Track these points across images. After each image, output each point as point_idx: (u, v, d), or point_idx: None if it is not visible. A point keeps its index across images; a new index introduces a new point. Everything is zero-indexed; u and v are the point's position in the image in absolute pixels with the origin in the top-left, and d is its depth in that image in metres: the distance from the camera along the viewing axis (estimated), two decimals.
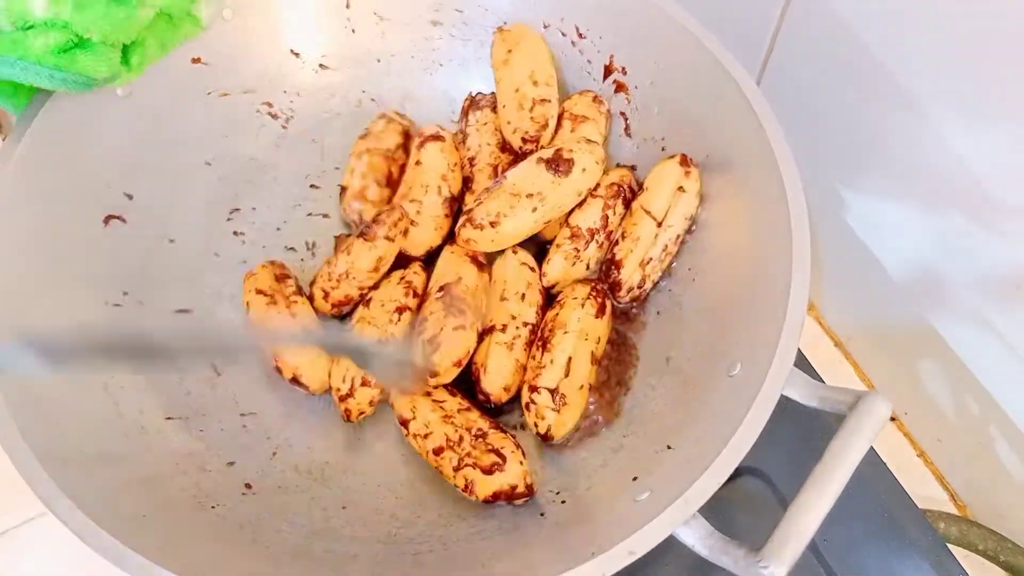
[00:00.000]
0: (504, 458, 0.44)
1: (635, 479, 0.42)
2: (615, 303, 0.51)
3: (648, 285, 0.51)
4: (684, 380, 0.46)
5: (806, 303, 0.41)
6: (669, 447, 0.42)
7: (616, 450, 0.46)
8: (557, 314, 0.49)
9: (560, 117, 0.55)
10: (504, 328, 0.49)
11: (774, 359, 0.39)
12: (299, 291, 0.52)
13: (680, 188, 0.50)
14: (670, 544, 0.36)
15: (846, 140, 0.55)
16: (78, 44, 0.44)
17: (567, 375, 0.47)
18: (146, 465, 0.43)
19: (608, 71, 0.56)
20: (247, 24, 0.56)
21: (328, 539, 0.43)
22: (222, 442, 0.47)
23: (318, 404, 0.51)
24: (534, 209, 0.49)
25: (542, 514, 0.44)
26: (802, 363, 0.58)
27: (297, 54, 0.59)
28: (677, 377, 0.47)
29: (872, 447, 0.53)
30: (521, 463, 0.44)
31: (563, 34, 0.57)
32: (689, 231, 0.51)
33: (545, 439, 0.47)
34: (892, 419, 0.63)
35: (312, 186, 0.59)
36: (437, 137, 0.55)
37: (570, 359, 0.47)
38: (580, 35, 0.56)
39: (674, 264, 0.52)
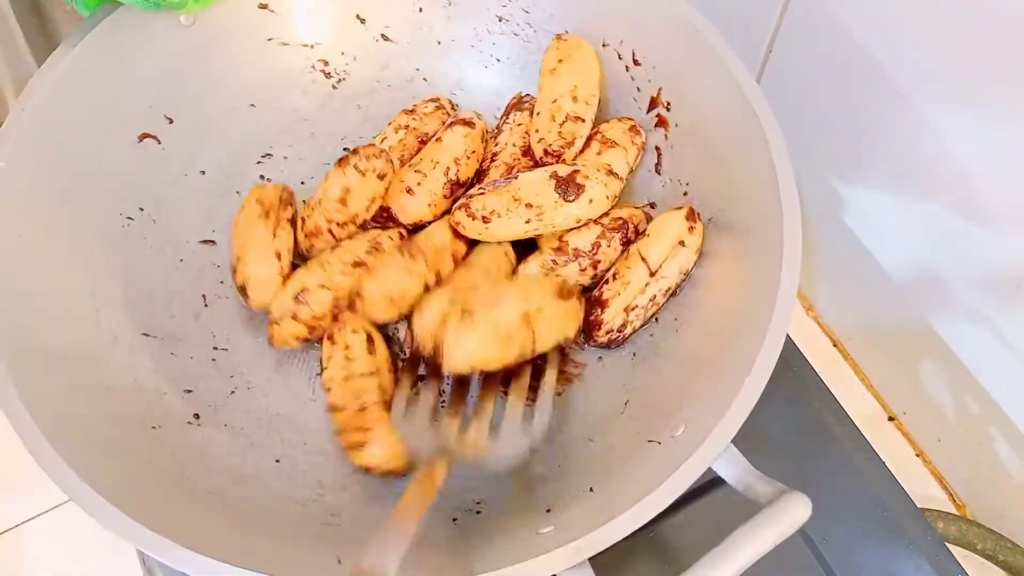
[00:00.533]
0: (369, 440, 0.45)
1: (548, 511, 0.42)
2: (591, 341, 0.51)
3: (628, 331, 0.50)
4: (631, 429, 0.46)
5: (761, 389, 0.39)
6: (591, 489, 0.42)
7: (545, 479, 0.46)
8: None
9: (591, 138, 0.54)
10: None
11: (712, 431, 0.38)
12: (292, 221, 0.53)
13: (681, 242, 0.49)
14: None
15: (845, 139, 0.55)
16: None
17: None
18: (105, 373, 0.45)
19: (654, 103, 0.55)
20: None
21: (250, 487, 0.45)
22: (188, 369, 0.50)
23: (288, 356, 0.53)
24: (528, 220, 0.49)
25: (455, 519, 0.44)
26: (801, 363, 0.57)
27: (363, 20, 0.60)
28: (628, 424, 0.46)
29: (872, 447, 0.54)
30: (389, 447, 0.45)
31: (619, 56, 0.56)
32: (680, 285, 0.50)
33: None
34: (891, 419, 0.63)
35: (346, 149, 0.60)
36: (468, 123, 0.56)
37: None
38: (636, 61, 0.55)
39: (663, 311, 0.51)
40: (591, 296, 0.51)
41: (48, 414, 0.39)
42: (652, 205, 0.55)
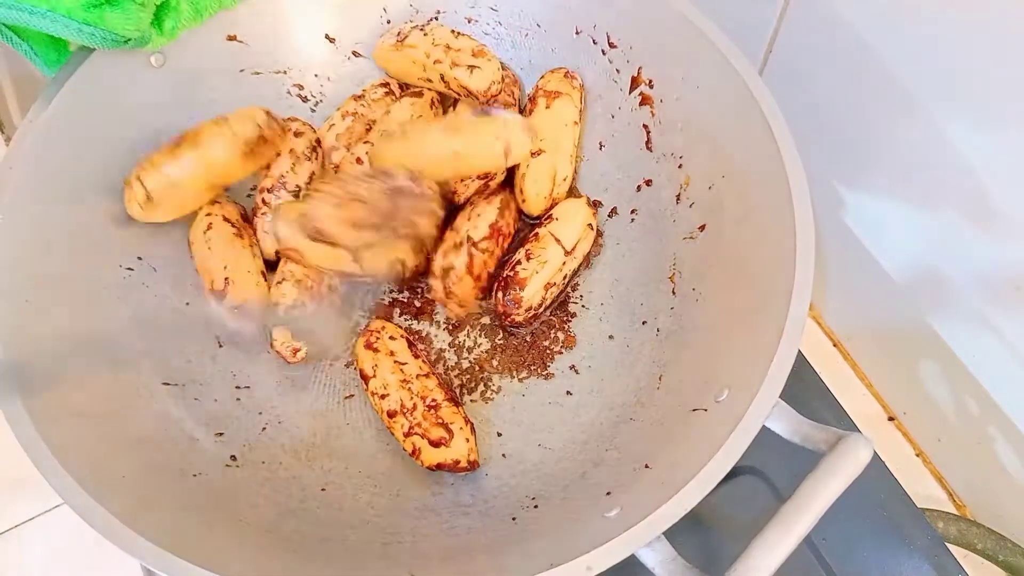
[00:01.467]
0: (451, 433, 0.46)
1: (609, 494, 0.42)
2: (510, 320, 0.52)
3: (543, 310, 0.53)
4: (672, 401, 0.46)
5: (800, 337, 0.40)
6: (647, 466, 0.42)
7: (596, 463, 0.46)
8: None
9: (535, 95, 0.57)
10: None
11: (760, 390, 0.39)
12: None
13: (589, 225, 0.53)
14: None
15: (846, 140, 0.55)
16: (108, 1, 0.45)
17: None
18: (135, 427, 0.44)
19: (635, 83, 0.56)
20: (285, 5, 0.57)
21: (301, 519, 0.44)
22: (215, 412, 0.49)
23: (312, 386, 0.52)
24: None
25: (514, 518, 0.44)
26: (802, 364, 0.58)
27: (332, 39, 0.60)
28: (667, 397, 0.47)
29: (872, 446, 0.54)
30: (468, 440, 0.46)
31: (594, 41, 0.57)
32: (578, 270, 0.55)
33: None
34: (891, 419, 0.64)
35: (336, 168, 0.60)
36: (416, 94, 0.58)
37: None
38: (611, 44, 0.56)
39: (679, 283, 0.51)
40: (501, 278, 0.52)
41: (91, 477, 0.38)
42: (648, 183, 0.56)
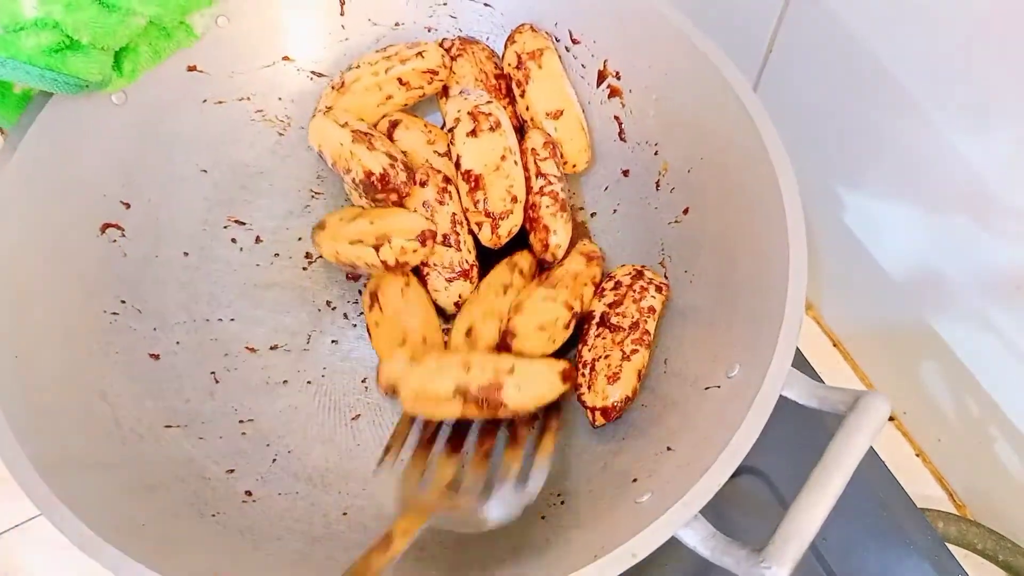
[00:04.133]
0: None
1: (635, 481, 0.42)
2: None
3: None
4: (682, 382, 0.46)
5: (803, 302, 0.41)
6: (669, 448, 0.42)
7: (616, 452, 0.46)
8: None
9: (521, 60, 0.56)
10: None
11: (772, 360, 0.39)
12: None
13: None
14: (670, 546, 0.36)
15: (845, 140, 0.55)
16: (69, 46, 0.44)
17: None
18: (144, 473, 0.43)
19: (602, 76, 0.56)
20: (242, 31, 0.56)
21: (329, 545, 0.43)
22: (221, 450, 0.47)
23: (317, 411, 0.51)
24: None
25: (543, 517, 0.44)
26: (801, 363, 0.58)
27: (291, 60, 0.59)
28: (675, 379, 0.47)
29: (871, 447, 0.54)
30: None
31: (556, 39, 0.57)
32: None
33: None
34: (891, 419, 0.64)
35: (313, 193, 0.59)
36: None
37: None
38: (574, 40, 0.57)
39: (671, 268, 0.52)
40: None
41: (108, 527, 0.36)
42: (625, 173, 0.56)
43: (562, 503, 0.44)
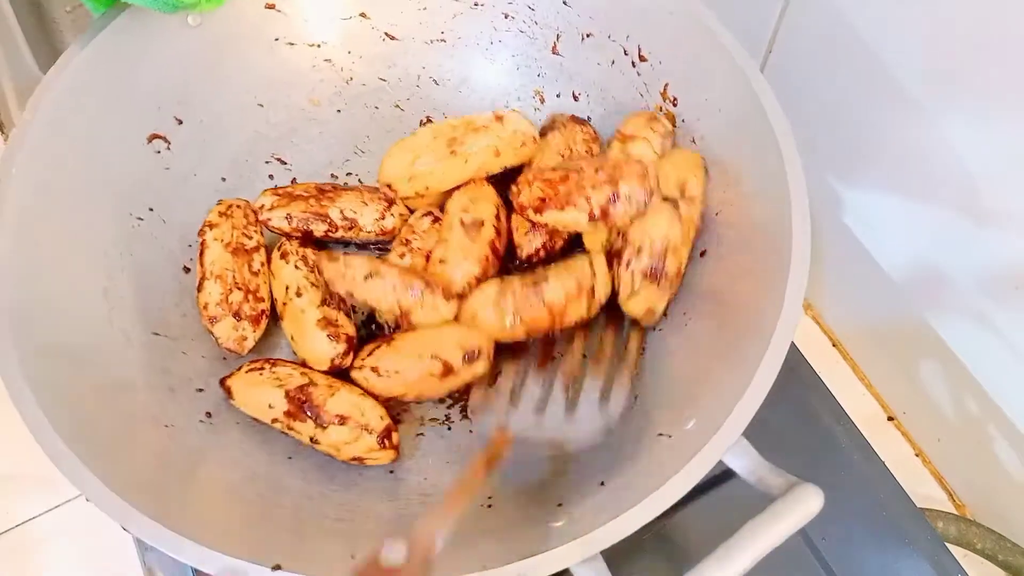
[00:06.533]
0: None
1: (560, 505, 0.42)
2: None
3: None
4: (644, 422, 0.46)
5: (774, 376, 0.39)
6: (602, 483, 0.42)
7: (560, 474, 0.46)
8: None
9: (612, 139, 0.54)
10: None
11: (723, 426, 0.38)
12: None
13: None
14: None
15: (845, 139, 0.55)
16: None
17: None
18: (117, 372, 0.45)
19: (661, 99, 0.55)
20: None
21: (264, 483, 0.45)
22: (199, 368, 0.50)
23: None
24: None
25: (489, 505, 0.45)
26: (800, 363, 0.58)
27: (368, 18, 0.60)
28: (640, 418, 0.47)
29: (871, 446, 0.55)
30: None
31: (625, 52, 0.56)
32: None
33: None
34: (891, 419, 0.64)
35: (357, 150, 0.61)
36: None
37: None
38: (642, 57, 0.55)
39: (673, 306, 0.51)
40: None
41: (63, 413, 0.39)
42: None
43: (488, 507, 0.45)
